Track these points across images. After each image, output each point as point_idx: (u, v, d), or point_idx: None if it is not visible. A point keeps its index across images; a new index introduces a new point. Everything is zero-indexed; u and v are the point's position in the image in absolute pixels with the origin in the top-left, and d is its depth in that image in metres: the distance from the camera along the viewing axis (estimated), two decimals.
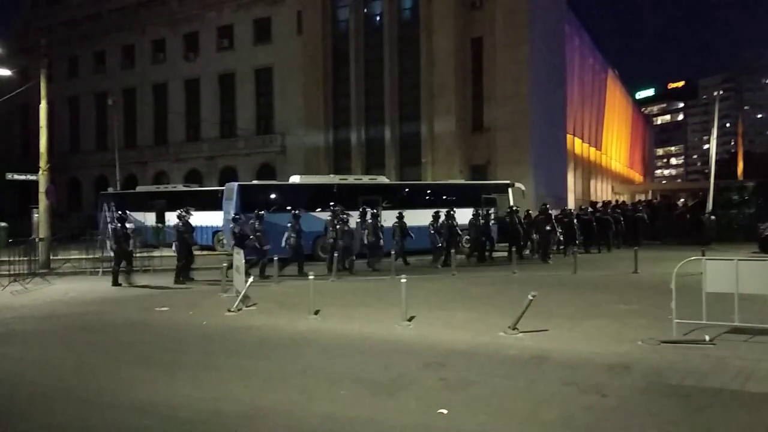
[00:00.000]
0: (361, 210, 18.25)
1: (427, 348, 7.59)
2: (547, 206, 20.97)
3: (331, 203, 18.55)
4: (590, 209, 25.33)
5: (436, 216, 18.64)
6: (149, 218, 27.50)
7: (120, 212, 15.68)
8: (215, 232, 24.68)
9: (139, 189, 32.93)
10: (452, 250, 17.71)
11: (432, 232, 18.37)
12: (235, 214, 17.06)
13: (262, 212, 16.45)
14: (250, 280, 10.82)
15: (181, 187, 31.24)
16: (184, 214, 15.34)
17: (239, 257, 11.41)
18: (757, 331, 7.61)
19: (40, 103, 20.04)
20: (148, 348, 8.04)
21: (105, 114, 45.73)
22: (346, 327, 9.05)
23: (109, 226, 24.74)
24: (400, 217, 18.51)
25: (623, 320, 9.06)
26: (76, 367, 7.21)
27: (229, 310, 10.44)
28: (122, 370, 6.96)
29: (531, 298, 8.02)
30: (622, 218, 23.48)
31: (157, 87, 46.74)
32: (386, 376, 6.36)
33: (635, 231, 23.80)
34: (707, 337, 7.46)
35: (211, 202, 23.98)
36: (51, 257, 19.01)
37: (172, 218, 25.97)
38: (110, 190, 32.89)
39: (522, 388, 5.91)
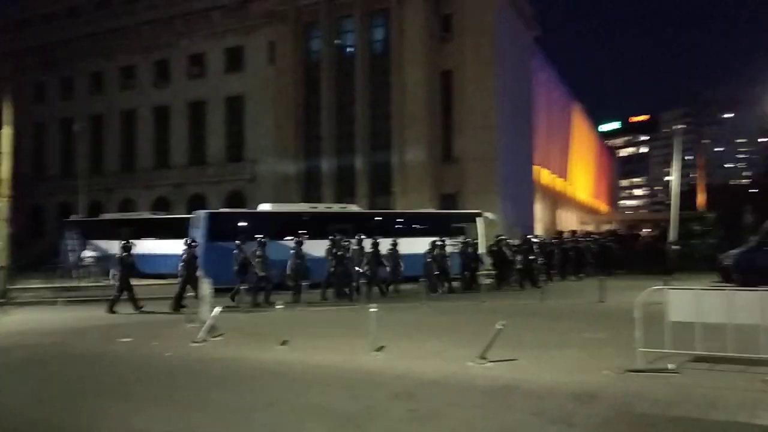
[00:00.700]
0: (357, 238, 18.20)
1: (396, 378, 7.52)
2: (530, 236, 21.58)
3: (303, 231, 18.47)
4: (568, 238, 26.15)
5: (433, 245, 18.86)
6: (114, 246, 26.90)
7: (126, 241, 15.68)
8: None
9: (104, 216, 32.29)
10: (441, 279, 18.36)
11: (429, 260, 18.59)
12: (238, 242, 16.93)
13: (264, 239, 16.54)
14: (217, 310, 10.62)
15: (147, 215, 30.75)
16: (192, 243, 15.57)
17: (205, 286, 11.21)
18: (718, 360, 7.74)
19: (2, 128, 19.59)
20: (109, 380, 7.80)
21: (71, 140, 44.99)
22: (315, 357, 8.93)
23: (84, 253, 24.12)
24: (395, 245, 18.64)
25: (590, 349, 9.14)
26: (33, 401, 6.93)
27: (195, 341, 10.21)
28: (81, 403, 6.72)
29: (499, 327, 8.05)
30: (593, 246, 24.41)
31: (126, 113, 46.34)
32: (354, 408, 6.28)
33: (604, 260, 24.63)
34: (671, 366, 7.56)
35: (179, 230, 23.60)
36: (10, 287, 18.38)
37: (138, 246, 25.57)
38: (74, 217, 32.17)
39: (491, 419, 5.89)
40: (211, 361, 8.88)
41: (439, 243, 19.05)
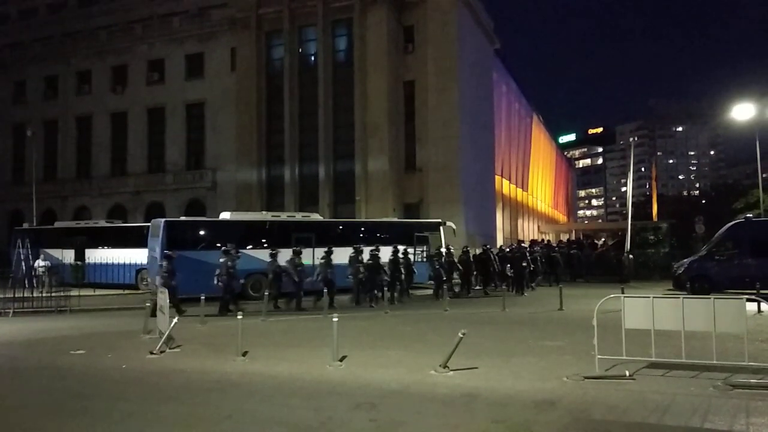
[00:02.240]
0: (374, 247, 18.63)
1: (358, 388, 7.49)
2: (522, 244, 22.16)
3: (264, 240, 18.31)
4: (538, 247, 26.89)
5: (440, 252, 19.78)
6: (67, 255, 26.08)
7: (167, 250, 16.13)
8: (139, 270, 23.65)
9: (58, 225, 31.32)
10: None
11: (437, 267, 19.40)
12: (272, 250, 17.32)
13: (300, 249, 17.39)
14: (175, 320, 10.39)
15: (103, 223, 29.94)
16: (231, 251, 16.16)
17: (164, 297, 10.96)
18: (672, 366, 7.96)
19: None
20: (60, 395, 7.53)
21: (23, 146, 43.66)
22: (275, 368, 8.82)
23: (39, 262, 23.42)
24: (395, 252, 19.05)
25: (549, 357, 9.28)
26: None
27: (152, 353, 9.96)
28: (30, 420, 6.47)
29: (461, 336, 8.10)
30: (558, 255, 25.34)
31: (81, 119, 45.13)
32: (315, 419, 6.22)
33: (570, 268, 25.54)
34: (627, 373, 7.74)
35: (136, 239, 23.08)
36: None
37: (92, 255, 24.87)
38: (25, 225, 31.11)
39: (452, 427, 5.91)
40: (168, 372, 8.68)
41: (444, 251, 19.98)
